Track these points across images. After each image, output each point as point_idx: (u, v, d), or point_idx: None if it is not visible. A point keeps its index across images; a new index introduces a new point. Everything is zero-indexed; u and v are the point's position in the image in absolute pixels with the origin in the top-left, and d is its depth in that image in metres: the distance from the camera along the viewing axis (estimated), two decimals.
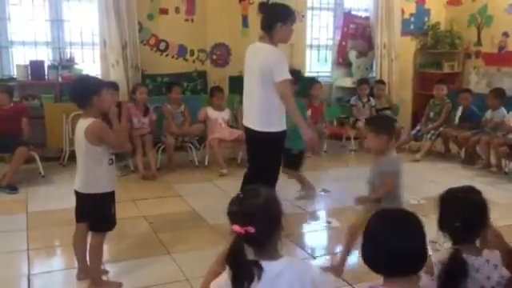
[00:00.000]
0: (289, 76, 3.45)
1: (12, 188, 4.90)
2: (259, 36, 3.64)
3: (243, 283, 1.59)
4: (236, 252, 1.61)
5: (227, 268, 1.63)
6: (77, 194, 2.95)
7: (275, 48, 3.48)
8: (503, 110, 6.16)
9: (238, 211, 1.65)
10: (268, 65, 3.41)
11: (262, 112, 3.51)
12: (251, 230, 1.60)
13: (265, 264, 1.62)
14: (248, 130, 3.67)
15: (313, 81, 6.81)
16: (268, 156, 3.59)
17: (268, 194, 1.71)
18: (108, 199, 2.94)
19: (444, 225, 1.95)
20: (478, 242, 1.98)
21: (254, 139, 3.64)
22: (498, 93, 6.27)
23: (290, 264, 1.67)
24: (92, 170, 2.86)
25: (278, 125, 3.55)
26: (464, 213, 1.92)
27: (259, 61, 3.46)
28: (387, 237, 1.54)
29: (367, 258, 1.60)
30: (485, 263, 1.89)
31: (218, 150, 5.77)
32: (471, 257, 1.88)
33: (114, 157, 2.94)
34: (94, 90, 2.83)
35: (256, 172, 3.63)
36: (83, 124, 2.82)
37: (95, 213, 2.92)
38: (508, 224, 3.71)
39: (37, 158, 5.33)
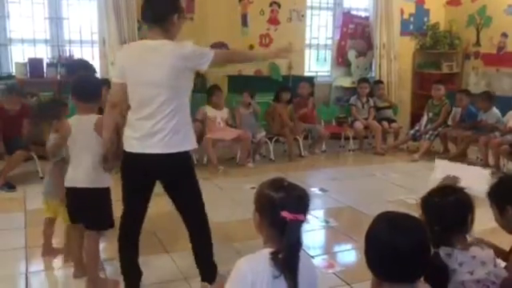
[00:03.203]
0: (212, 51, 2.78)
1: (10, 186, 4.89)
2: (145, 34, 2.79)
3: (296, 271, 1.56)
4: (295, 237, 1.57)
5: (267, 255, 1.57)
6: (77, 190, 2.85)
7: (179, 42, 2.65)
8: (495, 110, 6.21)
9: (289, 198, 1.59)
10: (183, 60, 2.59)
11: (184, 127, 2.82)
12: (302, 217, 1.57)
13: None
14: (161, 157, 2.71)
15: (301, 80, 6.86)
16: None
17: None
18: (109, 194, 2.92)
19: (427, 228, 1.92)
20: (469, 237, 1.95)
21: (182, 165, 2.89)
22: (487, 96, 6.35)
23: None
24: (99, 165, 2.81)
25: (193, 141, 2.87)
26: (441, 216, 1.89)
27: (165, 61, 2.56)
28: (391, 237, 1.52)
29: (370, 260, 1.57)
30: (470, 258, 1.85)
31: (212, 150, 5.78)
32: (455, 250, 1.86)
33: None
34: (100, 87, 3.00)
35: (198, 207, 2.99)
36: (89, 119, 2.81)
37: (97, 209, 2.87)
38: None
39: (35, 158, 5.25)
